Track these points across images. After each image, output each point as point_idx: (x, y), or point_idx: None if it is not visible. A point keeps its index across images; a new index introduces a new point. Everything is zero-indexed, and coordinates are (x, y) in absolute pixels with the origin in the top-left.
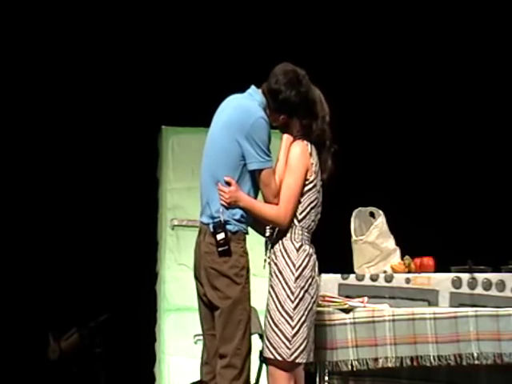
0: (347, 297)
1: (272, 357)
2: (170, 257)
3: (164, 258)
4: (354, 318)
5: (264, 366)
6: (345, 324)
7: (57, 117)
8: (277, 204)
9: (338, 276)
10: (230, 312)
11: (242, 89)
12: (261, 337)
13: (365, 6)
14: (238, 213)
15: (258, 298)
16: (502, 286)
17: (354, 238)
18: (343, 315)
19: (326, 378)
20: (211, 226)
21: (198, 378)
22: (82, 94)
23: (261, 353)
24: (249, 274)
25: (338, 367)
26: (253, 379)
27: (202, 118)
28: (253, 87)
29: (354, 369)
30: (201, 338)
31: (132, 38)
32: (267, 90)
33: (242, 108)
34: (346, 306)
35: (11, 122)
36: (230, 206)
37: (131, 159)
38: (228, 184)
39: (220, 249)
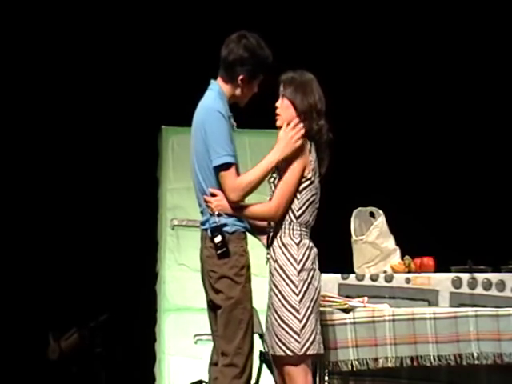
0: (347, 297)
1: (283, 354)
2: (170, 257)
3: (164, 257)
4: (354, 318)
5: (265, 366)
6: (345, 324)
7: (57, 117)
8: (237, 199)
9: (338, 276)
10: (231, 311)
11: None
12: (261, 337)
13: (365, 4)
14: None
15: (258, 297)
16: (502, 286)
17: (354, 238)
18: (343, 315)
19: (326, 377)
20: (209, 230)
21: (198, 378)
22: (82, 94)
23: (261, 353)
24: (249, 272)
25: (338, 367)
26: (253, 379)
27: None
28: (211, 80)
29: (354, 369)
30: (201, 338)
31: (132, 39)
32: (222, 65)
33: (201, 107)
34: (346, 306)
35: (11, 122)
36: (219, 214)
37: (131, 159)
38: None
39: (219, 251)
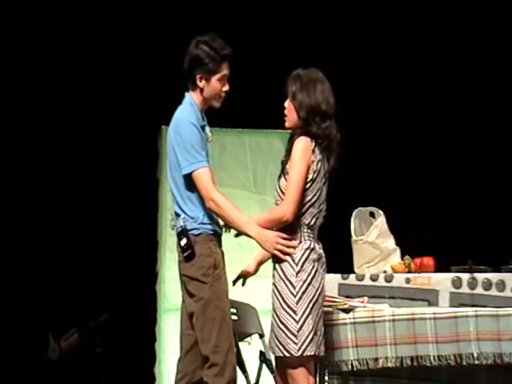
0: (347, 297)
1: (281, 354)
2: (169, 257)
3: (164, 258)
4: (354, 318)
5: (265, 366)
6: (345, 324)
7: (57, 117)
8: (207, 206)
9: (338, 276)
10: (203, 312)
11: (240, 88)
12: (261, 337)
13: (367, 5)
14: (199, 217)
15: (259, 298)
16: (501, 285)
17: (353, 237)
18: (343, 315)
19: (326, 377)
20: (176, 235)
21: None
22: (82, 94)
23: (261, 353)
24: (218, 271)
25: (338, 367)
26: (253, 379)
27: None
28: (185, 93)
29: (354, 369)
30: None
31: (132, 39)
32: (187, 77)
33: (173, 120)
34: (346, 306)
35: (11, 122)
36: (184, 218)
37: (131, 159)
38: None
39: (185, 254)
